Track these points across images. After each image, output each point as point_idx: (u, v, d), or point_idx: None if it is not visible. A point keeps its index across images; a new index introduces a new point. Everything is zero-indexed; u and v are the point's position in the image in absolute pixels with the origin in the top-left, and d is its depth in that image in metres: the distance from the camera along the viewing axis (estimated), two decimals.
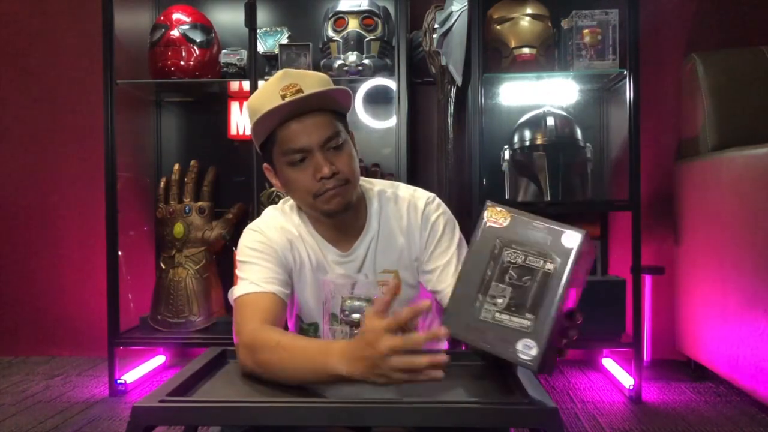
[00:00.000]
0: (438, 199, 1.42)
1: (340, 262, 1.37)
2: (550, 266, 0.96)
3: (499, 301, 0.98)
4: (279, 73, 1.29)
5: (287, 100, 1.24)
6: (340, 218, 1.33)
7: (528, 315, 0.96)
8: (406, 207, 1.39)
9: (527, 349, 0.95)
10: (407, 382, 0.97)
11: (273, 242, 1.34)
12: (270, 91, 1.26)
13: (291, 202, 1.41)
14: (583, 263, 0.98)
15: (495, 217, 1.02)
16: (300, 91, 1.25)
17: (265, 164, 1.37)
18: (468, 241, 1.09)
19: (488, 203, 1.04)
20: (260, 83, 2.56)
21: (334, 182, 1.27)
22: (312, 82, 1.28)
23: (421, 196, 1.41)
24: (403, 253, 1.38)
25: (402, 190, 1.42)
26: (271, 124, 1.27)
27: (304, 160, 1.28)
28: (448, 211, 1.42)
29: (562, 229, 0.97)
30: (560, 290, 0.95)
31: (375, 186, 1.42)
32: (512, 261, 0.98)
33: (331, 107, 1.30)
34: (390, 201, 1.40)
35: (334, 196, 1.28)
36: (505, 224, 1.01)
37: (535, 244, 0.98)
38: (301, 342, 1.13)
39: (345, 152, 1.30)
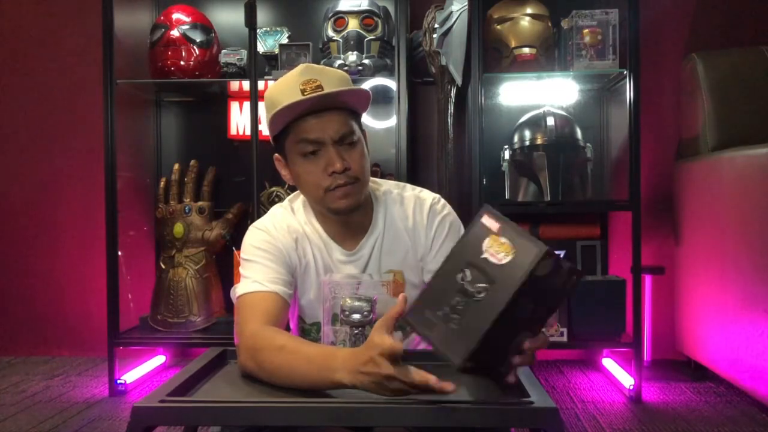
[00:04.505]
0: (443, 200, 1.42)
1: (346, 261, 1.37)
2: (499, 283, 0.95)
3: (455, 300, 0.98)
4: (301, 66, 1.29)
5: (306, 96, 1.24)
6: (347, 217, 1.34)
7: (469, 321, 0.96)
8: (411, 207, 1.39)
9: (455, 354, 0.95)
10: (411, 393, 0.97)
11: (278, 241, 1.34)
12: (290, 85, 1.26)
13: (299, 200, 1.42)
14: (550, 283, 0.97)
15: (487, 221, 1.02)
16: (320, 87, 1.25)
17: (276, 155, 1.37)
18: None
19: (485, 208, 1.03)
20: (260, 83, 2.57)
21: (345, 178, 1.27)
22: (332, 79, 1.28)
23: (427, 196, 1.41)
24: (408, 253, 1.38)
25: (408, 190, 1.43)
26: (288, 117, 1.28)
27: (317, 153, 1.28)
28: (453, 212, 1.42)
29: (527, 242, 0.95)
30: (500, 306, 0.94)
31: (382, 186, 1.43)
32: (479, 267, 0.99)
33: (348, 106, 1.30)
34: (396, 202, 1.40)
35: (344, 196, 1.29)
36: (494, 229, 1.01)
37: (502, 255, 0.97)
38: (304, 347, 1.13)
39: (357, 150, 1.30)
